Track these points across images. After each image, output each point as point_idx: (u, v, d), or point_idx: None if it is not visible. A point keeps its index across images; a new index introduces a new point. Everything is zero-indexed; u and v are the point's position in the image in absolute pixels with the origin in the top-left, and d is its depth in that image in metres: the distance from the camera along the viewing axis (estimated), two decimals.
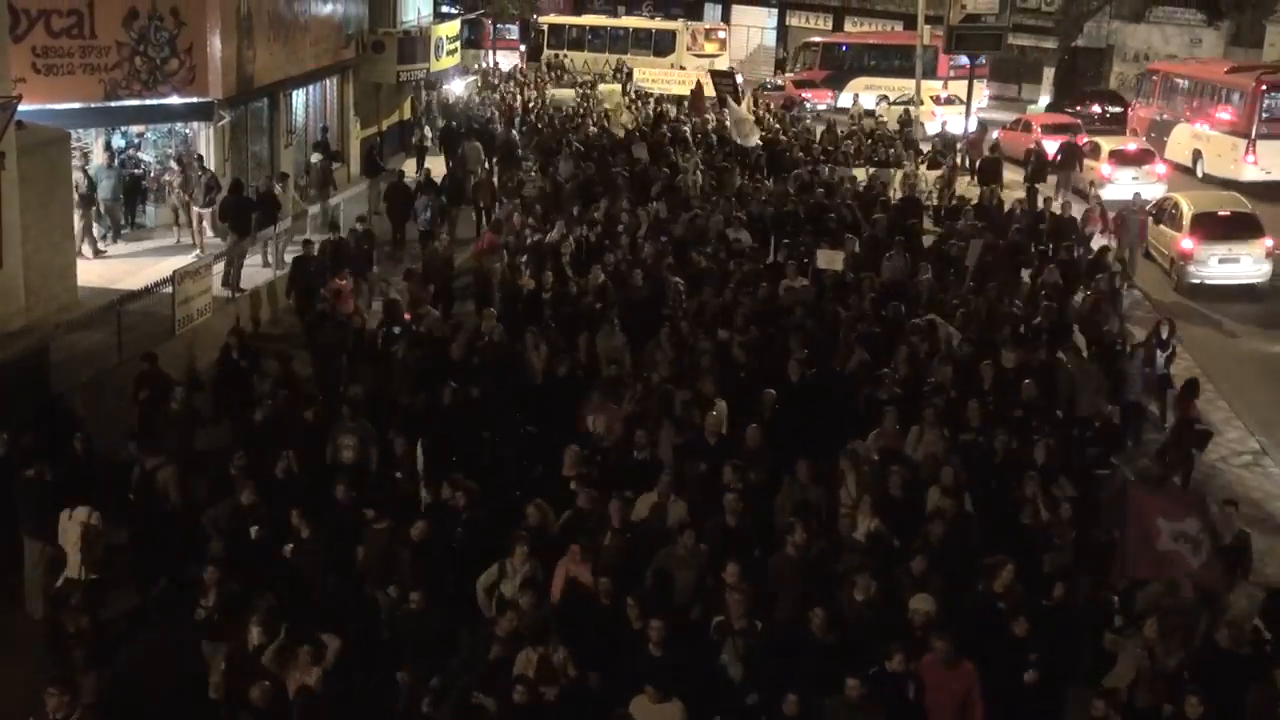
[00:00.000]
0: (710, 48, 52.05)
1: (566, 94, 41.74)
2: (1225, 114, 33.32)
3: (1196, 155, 33.82)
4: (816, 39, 51.96)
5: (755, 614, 10.00)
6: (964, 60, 39.41)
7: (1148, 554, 10.90)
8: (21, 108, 18.04)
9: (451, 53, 38.59)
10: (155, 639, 11.78)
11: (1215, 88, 34.27)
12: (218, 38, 23.65)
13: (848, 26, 56.27)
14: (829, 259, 19.43)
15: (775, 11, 60.39)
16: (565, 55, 52.07)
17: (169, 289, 18.41)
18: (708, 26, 54.77)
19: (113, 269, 22.07)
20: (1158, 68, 39.50)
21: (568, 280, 18.67)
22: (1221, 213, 24.20)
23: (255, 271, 21.99)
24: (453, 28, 39.51)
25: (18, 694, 10.46)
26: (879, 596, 10.28)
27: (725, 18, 60.27)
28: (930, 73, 41.49)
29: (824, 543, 11.29)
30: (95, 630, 10.70)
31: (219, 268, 20.68)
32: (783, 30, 60.28)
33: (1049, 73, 49.45)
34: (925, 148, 32.61)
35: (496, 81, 47.89)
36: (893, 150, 31.44)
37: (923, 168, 29.14)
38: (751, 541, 11.32)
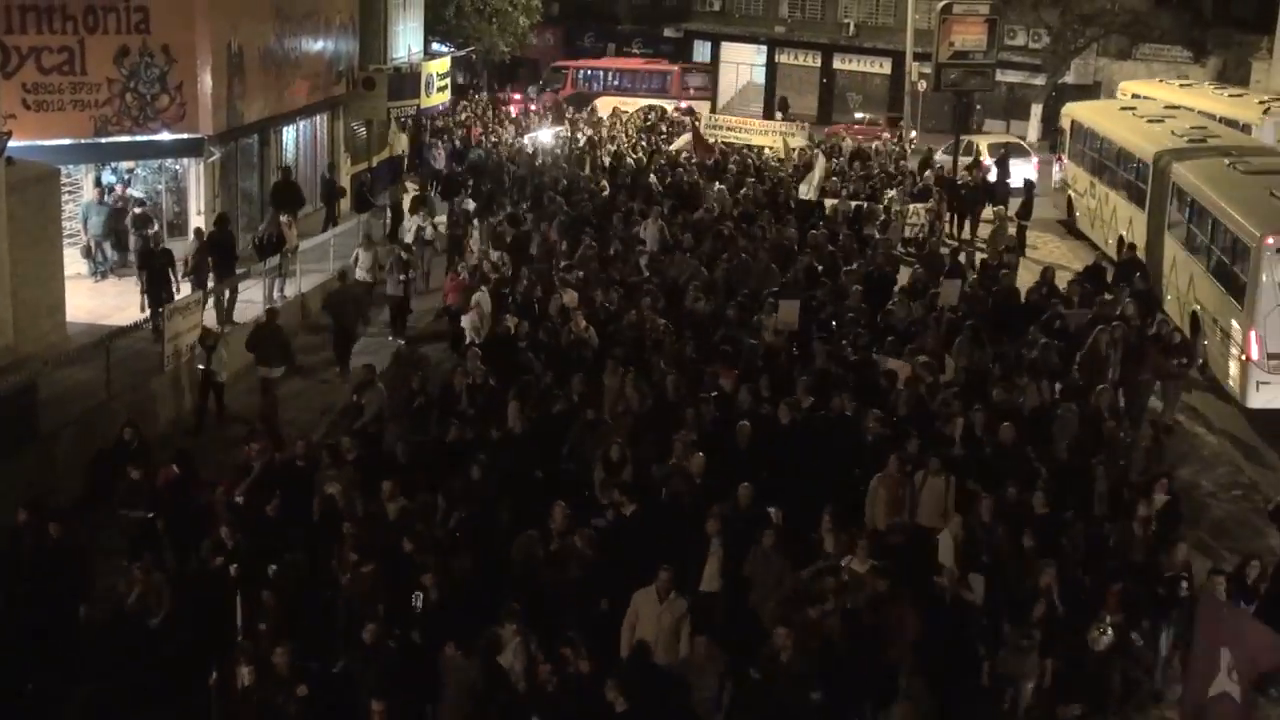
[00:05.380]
0: None
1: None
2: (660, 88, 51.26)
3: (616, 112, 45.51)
4: (565, 63, 56.14)
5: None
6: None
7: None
8: (11, 144, 18.03)
9: (442, 89, 38.65)
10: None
11: (644, 72, 53.03)
12: (208, 74, 23.66)
13: (836, 63, 56.70)
14: (787, 312, 18.02)
15: (764, 49, 60.67)
16: None
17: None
18: None
19: (102, 304, 21.97)
20: (563, 63, 56.04)
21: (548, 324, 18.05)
22: (1001, 143, 37.24)
23: (249, 307, 21.75)
24: (443, 64, 39.62)
25: None
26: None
27: (714, 55, 60.55)
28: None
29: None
30: None
31: (210, 303, 20.58)
32: (772, 68, 60.52)
33: (1037, 109, 49.68)
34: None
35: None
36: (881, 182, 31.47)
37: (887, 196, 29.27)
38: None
